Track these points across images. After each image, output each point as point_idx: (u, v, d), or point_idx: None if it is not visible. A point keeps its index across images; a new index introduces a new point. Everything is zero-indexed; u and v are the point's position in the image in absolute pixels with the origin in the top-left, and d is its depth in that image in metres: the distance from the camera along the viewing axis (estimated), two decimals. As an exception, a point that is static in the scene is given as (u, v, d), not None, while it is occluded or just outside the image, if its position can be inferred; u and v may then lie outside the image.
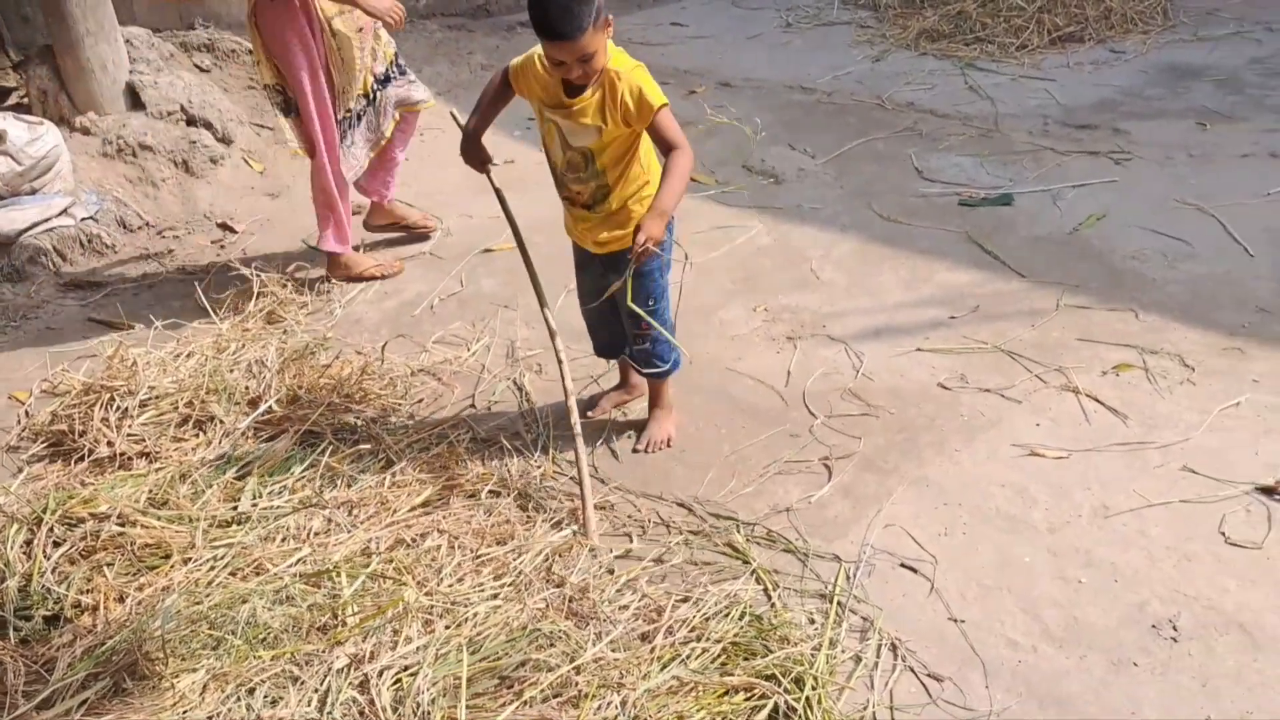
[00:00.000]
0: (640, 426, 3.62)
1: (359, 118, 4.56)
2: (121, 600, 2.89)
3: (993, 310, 4.15)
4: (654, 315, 3.33)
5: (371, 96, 4.56)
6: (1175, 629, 2.75)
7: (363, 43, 4.41)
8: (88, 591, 2.92)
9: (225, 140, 5.62)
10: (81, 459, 3.51)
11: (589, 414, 3.69)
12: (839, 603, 2.86)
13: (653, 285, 3.33)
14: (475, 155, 3.40)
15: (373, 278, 4.70)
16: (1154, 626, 2.76)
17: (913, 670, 2.68)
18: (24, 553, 3.11)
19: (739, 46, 7.26)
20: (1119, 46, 6.76)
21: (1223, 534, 3.03)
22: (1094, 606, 2.83)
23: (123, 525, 3.11)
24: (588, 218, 3.29)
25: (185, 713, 2.50)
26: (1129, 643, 2.72)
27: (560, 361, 3.36)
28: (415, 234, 5.03)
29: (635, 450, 3.56)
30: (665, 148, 3.10)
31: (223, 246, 5.07)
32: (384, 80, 4.59)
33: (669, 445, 3.55)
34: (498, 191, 3.55)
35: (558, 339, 3.38)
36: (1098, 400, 3.61)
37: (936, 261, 4.53)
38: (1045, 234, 4.68)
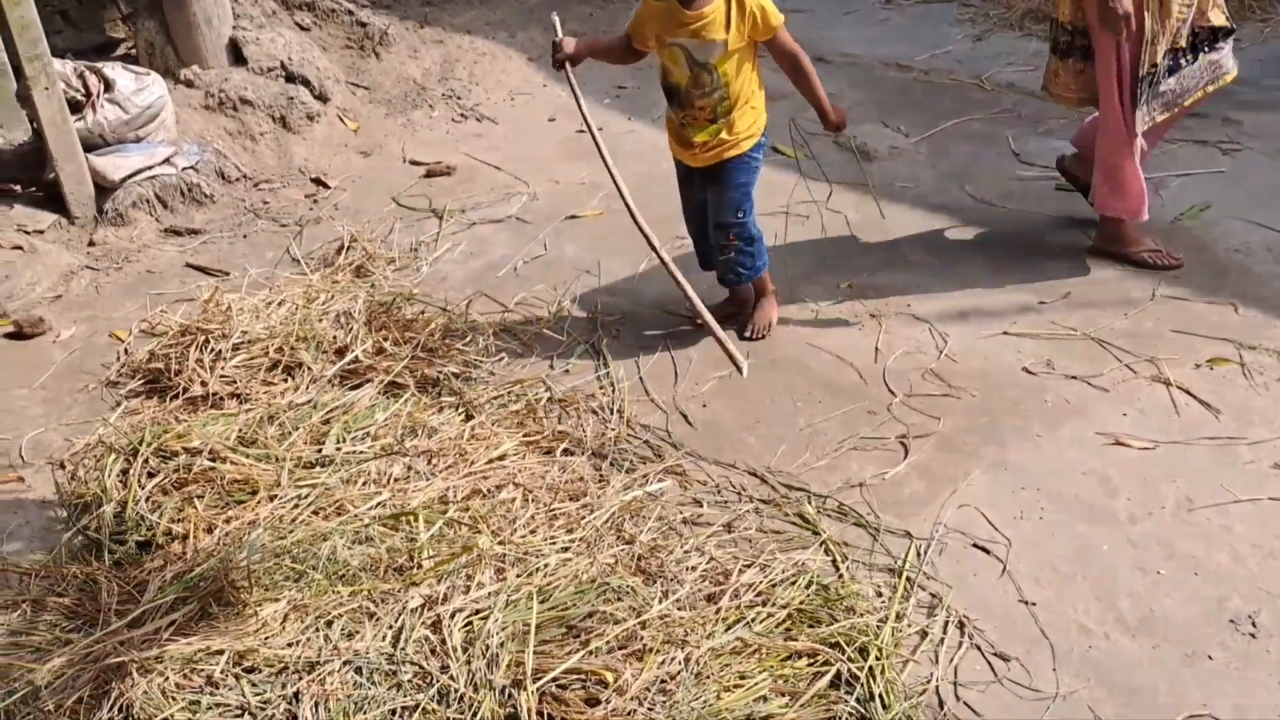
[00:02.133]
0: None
1: (1169, 72, 3.97)
2: (210, 531, 2.99)
3: (1085, 298, 4.07)
4: (742, 226, 3.73)
5: (1185, 53, 3.98)
6: (1254, 625, 2.69)
7: None
8: (178, 521, 3.03)
9: (322, 98, 5.73)
10: (176, 396, 3.63)
11: (698, 322, 3.85)
12: (908, 578, 2.85)
13: (742, 197, 3.71)
14: (563, 52, 3.72)
15: (1143, 263, 4.22)
16: (1232, 621, 2.71)
17: (979, 648, 2.66)
18: (120, 481, 3.24)
19: (835, 22, 7.18)
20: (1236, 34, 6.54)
21: (1311, 533, 2.96)
22: (1171, 599, 2.78)
23: (213, 461, 3.21)
24: (710, 132, 3.62)
25: (266, 639, 2.59)
26: (1205, 636, 2.67)
27: (656, 249, 3.51)
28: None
29: (744, 337, 3.86)
30: (788, 56, 3.66)
31: (315, 201, 5.17)
32: (1205, 39, 4.01)
33: (771, 329, 3.89)
34: (574, 90, 3.78)
35: (652, 237, 3.52)
36: (1189, 393, 3.53)
37: (1029, 246, 4.45)
38: (1146, 222, 4.55)
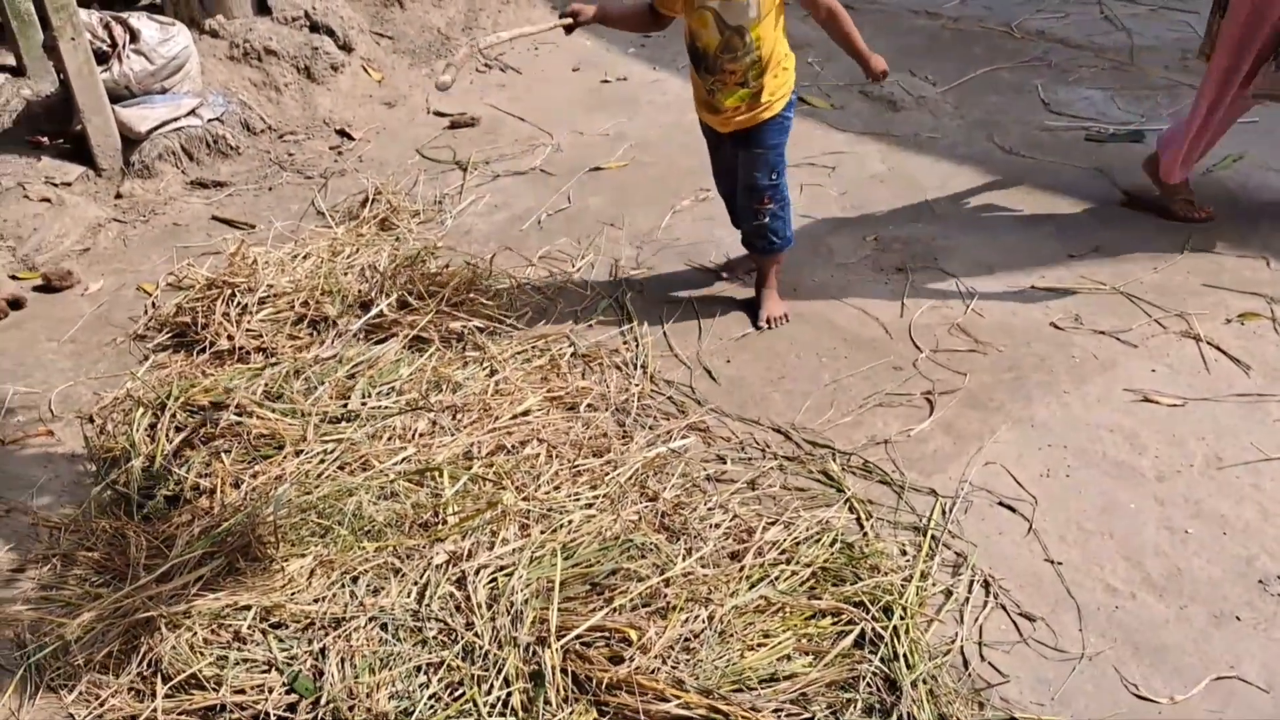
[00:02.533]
0: (749, 307, 3.83)
1: None
2: (237, 485, 3.02)
3: (1114, 251, 4.02)
4: (775, 189, 3.62)
5: None
6: (1282, 585, 2.68)
7: None
8: (206, 475, 3.06)
9: (346, 48, 5.69)
10: (203, 350, 3.65)
11: (723, 275, 3.96)
12: (933, 536, 2.85)
13: (776, 159, 3.59)
14: (577, 13, 3.56)
15: (1174, 215, 4.18)
16: (1261, 582, 2.69)
17: (1004, 608, 2.66)
18: (148, 435, 3.27)
19: (865, -32, 7.06)
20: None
21: (1341, 492, 2.93)
22: (1199, 558, 2.77)
23: (240, 415, 3.23)
24: (740, 96, 3.47)
25: (293, 594, 2.62)
26: (1233, 597, 2.66)
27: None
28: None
29: (757, 327, 3.74)
30: (824, 8, 3.45)
31: (340, 153, 5.16)
32: None
33: (787, 320, 3.76)
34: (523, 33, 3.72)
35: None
36: (1219, 349, 3.49)
37: (1058, 198, 4.39)
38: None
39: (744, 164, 3.63)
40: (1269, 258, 3.90)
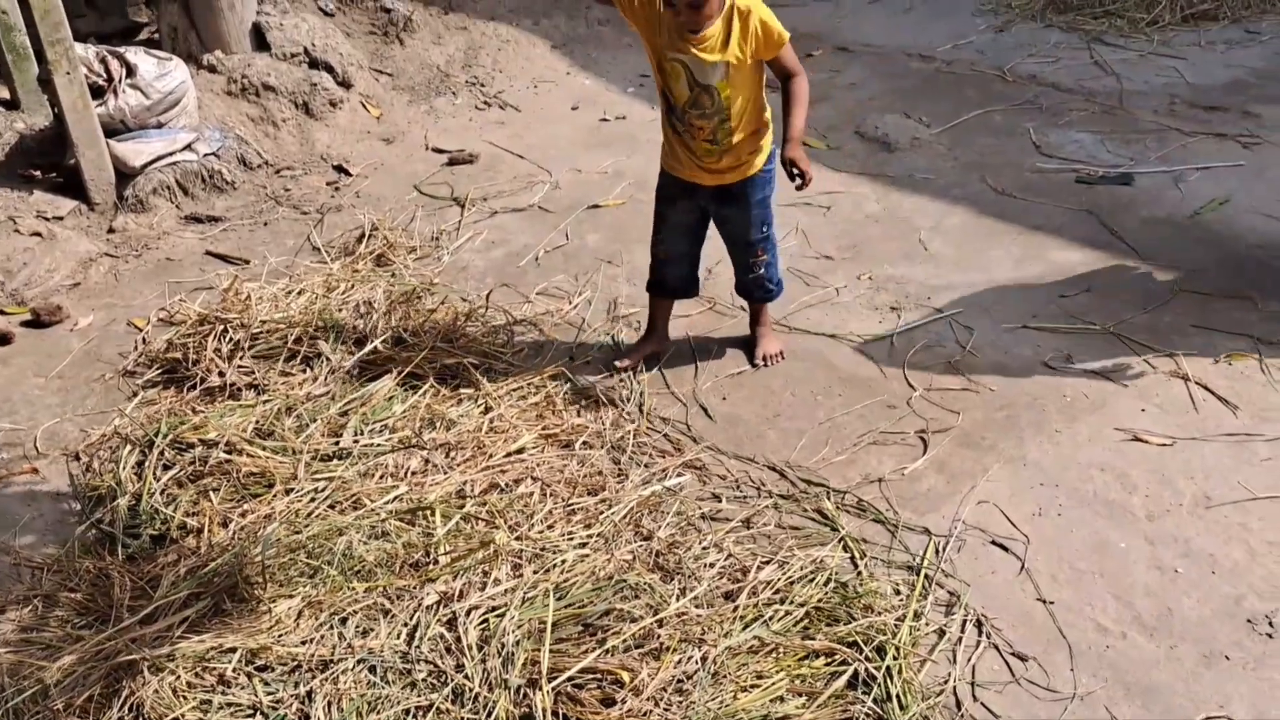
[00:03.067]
0: (745, 345, 3.84)
1: None
2: (225, 525, 3.00)
3: (1105, 291, 4.05)
4: (767, 240, 3.63)
5: None
6: (1272, 625, 2.68)
7: None
8: (193, 514, 3.04)
9: (345, 84, 5.72)
10: (193, 387, 3.64)
11: (615, 364, 3.76)
12: (926, 575, 2.85)
13: (765, 212, 3.58)
14: None
15: None
16: (1249, 621, 2.69)
17: (997, 648, 2.66)
18: (135, 473, 3.25)
19: (859, 11, 7.13)
20: (1255, 27, 6.47)
21: (1332, 534, 2.94)
22: (1189, 597, 2.77)
23: (230, 453, 3.22)
24: (710, 151, 3.40)
25: (280, 636, 2.60)
26: (1222, 636, 2.66)
27: None
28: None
29: (754, 365, 3.76)
30: (786, 75, 3.34)
31: (337, 188, 5.18)
32: None
33: (783, 357, 3.77)
34: None
35: None
36: (1208, 389, 3.51)
37: (1049, 239, 4.42)
38: (1165, 216, 4.53)
39: (734, 220, 3.58)
40: (1256, 299, 3.93)
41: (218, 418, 3.39)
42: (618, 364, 3.74)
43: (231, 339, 3.77)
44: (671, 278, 3.77)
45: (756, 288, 3.73)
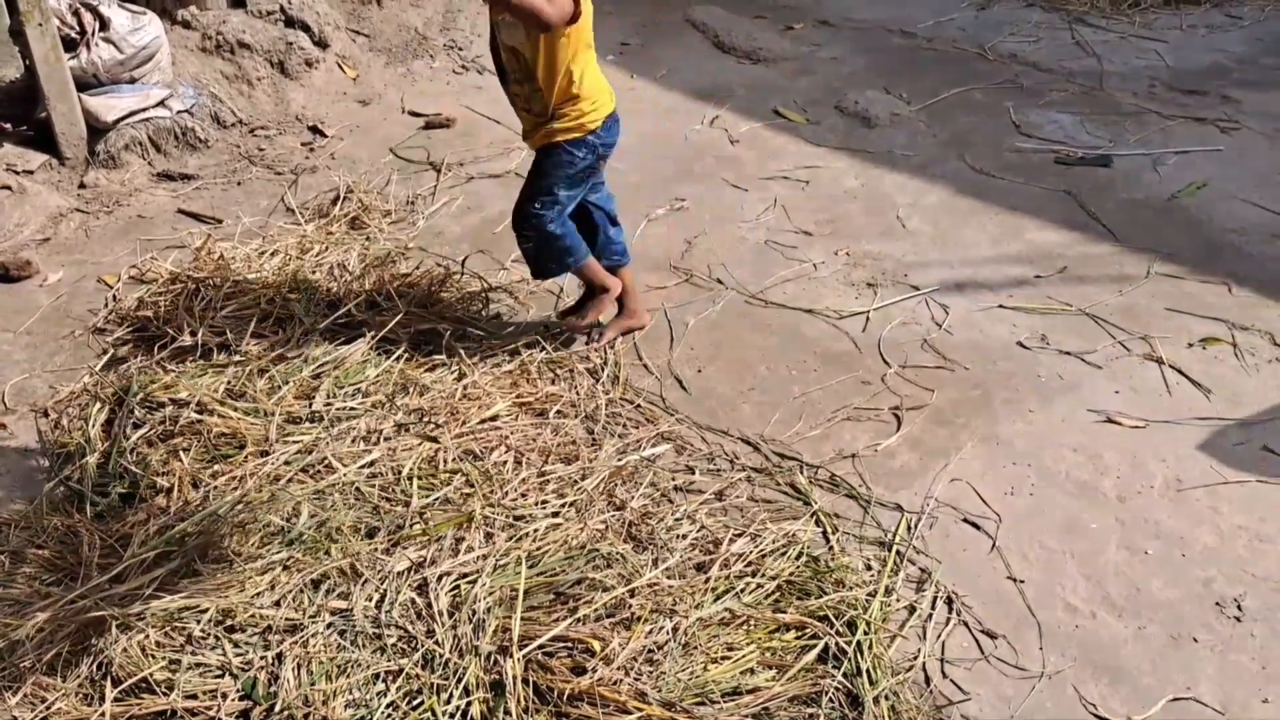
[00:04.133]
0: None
1: None
2: (196, 485, 2.97)
3: (1080, 272, 4.06)
4: (538, 219, 3.41)
5: None
6: (1240, 608, 2.70)
7: None
8: (164, 474, 3.00)
9: (321, 44, 5.64)
10: (164, 346, 3.59)
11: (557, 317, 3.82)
12: (898, 551, 2.86)
13: (546, 189, 3.40)
14: None
15: None
16: (1218, 604, 2.72)
17: (966, 625, 2.67)
18: (104, 431, 3.21)
19: (842, -15, 7.10)
20: (1236, 11, 6.49)
21: (1299, 518, 2.97)
22: (1158, 579, 2.79)
23: (201, 413, 3.18)
24: (526, 119, 3.42)
25: (253, 598, 2.58)
26: (1191, 618, 2.68)
27: None
28: None
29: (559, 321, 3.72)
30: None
31: (312, 149, 5.11)
32: None
33: (584, 330, 3.67)
34: None
35: None
36: (1181, 372, 3.53)
37: (1026, 219, 4.43)
38: (1142, 199, 4.55)
39: (524, 184, 3.50)
40: (1231, 284, 3.95)
41: (189, 377, 3.35)
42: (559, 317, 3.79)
43: (203, 298, 3.73)
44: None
45: (525, 258, 3.60)
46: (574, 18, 3.16)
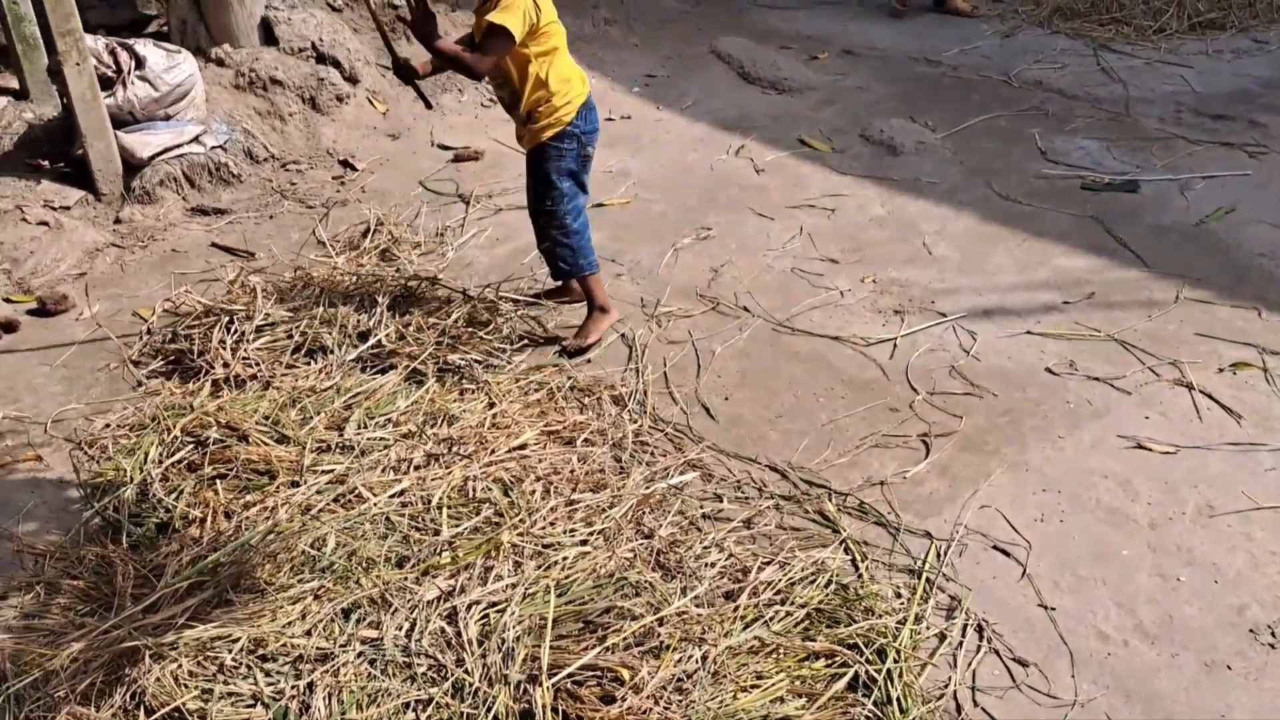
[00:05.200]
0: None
1: None
2: (228, 516, 3.00)
3: (1109, 298, 4.05)
4: (554, 215, 3.72)
5: None
6: (1274, 635, 2.68)
7: None
8: (197, 505, 3.04)
9: (352, 80, 5.73)
10: (198, 378, 3.64)
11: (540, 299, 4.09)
12: (928, 579, 2.85)
13: (549, 184, 3.69)
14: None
15: None
16: (1252, 631, 2.69)
17: (997, 653, 2.66)
18: (139, 462, 3.25)
19: (866, 15, 7.14)
20: (1263, 36, 6.48)
21: (1333, 544, 2.94)
22: (1191, 606, 2.77)
23: (234, 444, 3.22)
24: (515, 121, 3.70)
25: (284, 627, 2.60)
26: (1224, 645, 2.66)
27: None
28: None
29: (562, 351, 3.82)
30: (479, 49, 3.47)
31: (343, 183, 5.18)
32: None
33: (583, 351, 3.80)
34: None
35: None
36: (1211, 397, 3.51)
37: (1054, 245, 4.43)
38: (1170, 224, 4.54)
39: (528, 187, 3.79)
40: (1260, 309, 3.93)
41: (222, 409, 3.39)
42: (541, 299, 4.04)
43: (237, 330, 3.78)
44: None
45: (547, 259, 3.88)
46: (532, 30, 3.41)
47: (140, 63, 4.90)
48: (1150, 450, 3.31)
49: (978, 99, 5.81)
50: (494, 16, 3.33)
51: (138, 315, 4.17)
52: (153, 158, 4.90)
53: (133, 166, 4.88)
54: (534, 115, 3.60)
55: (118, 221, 4.78)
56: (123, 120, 4.87)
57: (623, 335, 3.93)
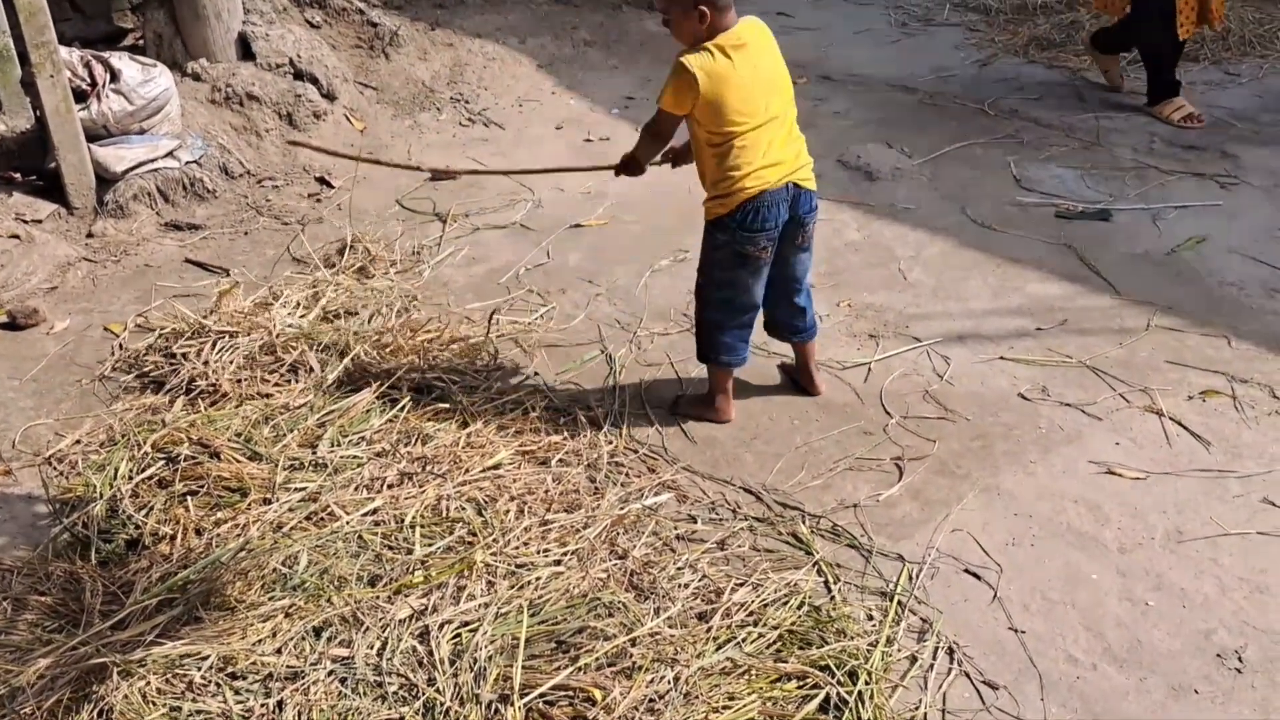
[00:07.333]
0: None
1: None
2: (199, 533, 2.98)
3: (1081, 325, 4.09)
4: (699, 289, 3.50)
5: None
6: (1241, 660, 2.70)
7: None
8: (167, 521, 3.01)
9: (329, 96, 5.72)
10: (170, 393, 3.62)
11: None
12: (899, 601, 2.86)
13: (706, 261, 3.44)
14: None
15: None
16: (1219, 656, 2.71)
17: (968, 675, 2.67)
18: (109, 478, 3.22)
19: (845, 41, 7.20)
20: (1234, 69, 6.57)
21: (1300, 570, 2.97)
22: (1159, 630, 2.79)
23: (205, 460, 3.20)
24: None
25: (254, 644, 2.58)
26: (1192, 670, 2.68)
27: None
28: None
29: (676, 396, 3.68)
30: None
31: (319, 200, 5.17)
32: None
33: (676, 408, 3.64)
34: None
35: None
36: (1181, 424, 3.54)
37: (1027, 271, 4.46)
38: (1142, 253, 4.59)
39: None
40: (1230, 337, 3.98)
41: (194, 424, 3.37)
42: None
43: (210, 346, 3.75)
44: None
45: (695, 336, 3.62)
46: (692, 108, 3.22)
47: (115, 76, 4.88)
48: (1120, 476, 3.33)
49: (954, 126, 5.86)
50: (661, 94, 3.29)
51: (109, 330, 4.14)
52: (126, 172, 4.87)
53: (106, 180, 4.85)
54: (708, 193, 3.37)
55: (90, 236, 4.75)
56: (97, 134, 4.84)
57: (598, 355, 3.93)
